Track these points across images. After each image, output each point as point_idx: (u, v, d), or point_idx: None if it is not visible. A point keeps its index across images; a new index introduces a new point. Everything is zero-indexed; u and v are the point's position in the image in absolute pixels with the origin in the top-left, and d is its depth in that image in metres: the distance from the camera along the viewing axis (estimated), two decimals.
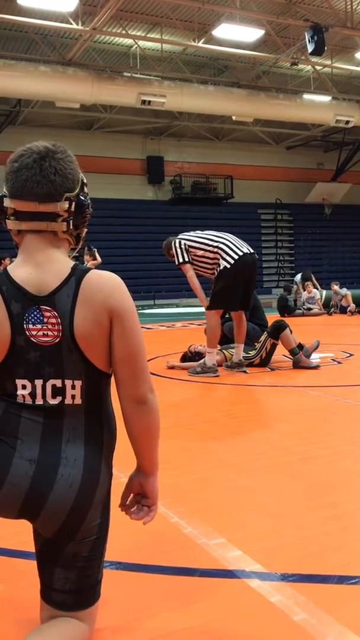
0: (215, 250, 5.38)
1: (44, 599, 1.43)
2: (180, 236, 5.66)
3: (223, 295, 5.39)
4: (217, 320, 5.49)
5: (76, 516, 1.36)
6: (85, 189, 1.47)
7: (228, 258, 5.31)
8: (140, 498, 1.50)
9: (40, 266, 1.38)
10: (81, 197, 1.44)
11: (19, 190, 1.38)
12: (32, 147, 1.42)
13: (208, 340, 5.51)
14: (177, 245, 5.57)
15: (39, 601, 1.45)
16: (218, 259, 5.36)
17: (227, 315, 5.93)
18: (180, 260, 5.54)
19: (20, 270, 1.38)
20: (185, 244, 5.53)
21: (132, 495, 1.51)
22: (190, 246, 5.52)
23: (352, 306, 13.67)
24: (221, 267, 5.35)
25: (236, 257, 5.30)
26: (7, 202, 1.40)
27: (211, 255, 5.41)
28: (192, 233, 5.69)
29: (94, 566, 1.42)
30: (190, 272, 5.56)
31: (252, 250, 5.47)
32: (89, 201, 1.47)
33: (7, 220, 1.42)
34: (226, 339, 6.05)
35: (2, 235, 1.47)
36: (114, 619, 1.55)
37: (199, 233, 5.66)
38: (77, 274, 1.38)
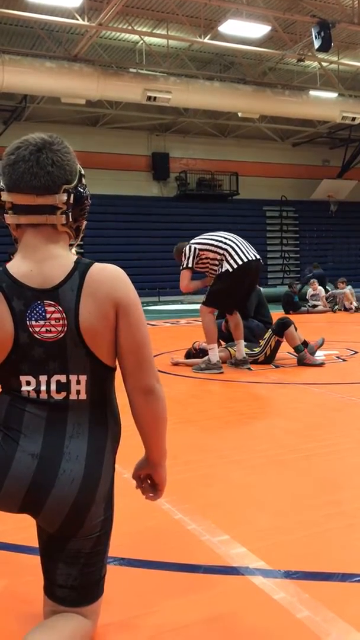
0: (222, 252, 5.38)
1: (48, 595, 1.43)
2: (192, 241, 5.62)
3: (220, 296, 5.41)
4: (210, 318, 5.51)
5: (78, 512, 1.36)
6: (84, 181, 1.45)
7: (232, 262, 5.31)
8: (149, 481, 1.53)
9: (41, 262, 1.37)
10: (79, 189, 1.43)
11: (16, 183, 1.37)
12: (29, 139, 1.40)
13: (206, 336, 5.53)
14: (188, 249, 5.53)
15: (42, 596, 1.45)
16: (222, 261, 5.36)
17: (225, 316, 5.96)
18: (184, 265, 5.51)
19: (21, 267, 1.37)
20: (196, 249, 5.49)
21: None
22: (200, 250, 5.49)
23: (354, 304, 13.62)
24: (223, 269, 5.34)
25: (240, 262, 5.28)
26: (4, 196, 1.38)
27: (218, 257, 5.41)
28: (203, 236, 5.66)
29: (98, 562, 1.42)
30: (184, 282, 5.53)
31: (258, 257, 5.45)
32: (87, 193, 1.45)
33: (5, 215, 1.40)
34: (231, 337, 6.05)
35: (6, 231, 1.45)
36: (117, 615, 1.56)
37: (209, 234, 5.64)
38: (81, 268, 1.38)
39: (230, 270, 5.30)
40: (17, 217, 1.39)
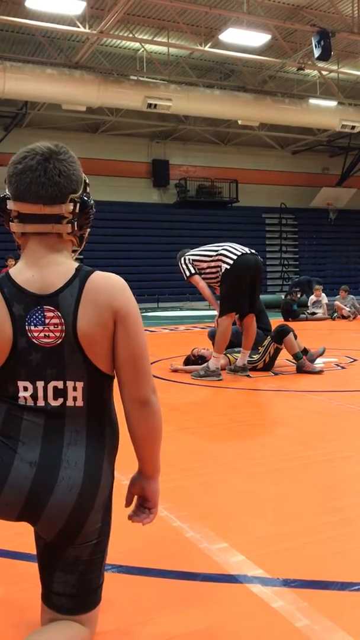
0: (217, 258, 5.53)
1: (45, 603, 1.42)
2: (185, 255, 5.83)
3: (230, 297, 5.44)
4: (228, 325, 5.45)
5: (77, 520, 1.35)
6: (88, 189, 1.46)
7: (227, 260, 5.44)
8: (142, 500, 1.50)
9: (43, 269, 1.38)
10: (84, 197, 1.43)
11: (23, 192, 1.37)
12: (35, 148, 1.40)
13: (216, 344, 5.47)
14: (182, 262, 5.76)
15: (40, 604, 1.44)
16: (220, 265, 5.45)
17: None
18: (187, 274, 5.73)
19: (23, 273, 1.38)
20: (189, 259, 5.72)
21: (135, 498, 1.51)
22: (194, 260, 5.71)
23: (349, 311, 13.59)
24: (222, 270, 5.43)
25: (235, 257, 5.42)
26: (10, 205, 1.39)
27: (214, 264, 5.55)
28: (195, 249, 5.87)
29: (95, 570, 1.41)
30: (200, 284, 5.72)
31: (253, 251, 5.54)
32: (92, 201, 1.46)
33: (11, 223, 1.41)
34: (230, 343, 6.04)
35: (6, 237, 1.45)
36: (115, 622, 1.55)
37: (201, 248, 5.85)
38: (81, 275, 1.38)
39: (228, 267, 5.41)
40: (22, 225, 1.40)
